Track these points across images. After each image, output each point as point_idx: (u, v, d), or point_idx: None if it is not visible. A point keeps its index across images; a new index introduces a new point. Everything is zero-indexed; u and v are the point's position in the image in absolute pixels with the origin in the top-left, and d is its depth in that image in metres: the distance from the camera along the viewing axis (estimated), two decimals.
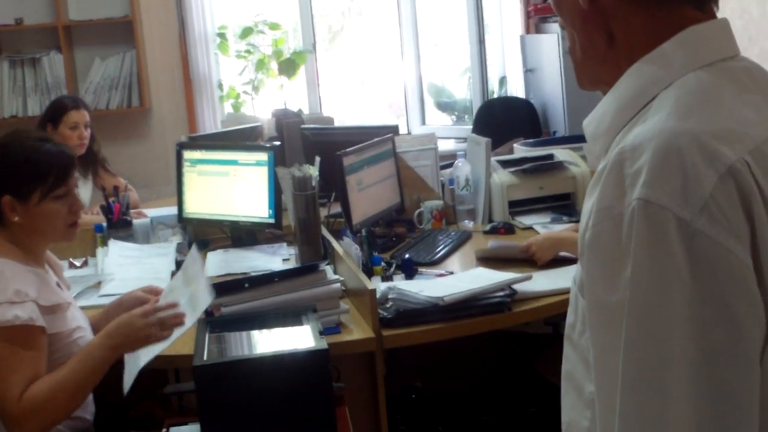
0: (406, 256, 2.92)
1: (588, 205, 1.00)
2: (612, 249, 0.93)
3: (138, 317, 2.17)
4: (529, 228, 3.38)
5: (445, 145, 5.35)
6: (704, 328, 0.89)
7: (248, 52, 5.89)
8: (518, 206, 3.53)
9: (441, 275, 2.81)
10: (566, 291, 2.46)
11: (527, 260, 2.87)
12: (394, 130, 3.88)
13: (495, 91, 6.21)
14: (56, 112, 4.16)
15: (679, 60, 1.02)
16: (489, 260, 2.93)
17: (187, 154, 3.52)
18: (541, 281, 2.61)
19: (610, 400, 0.94)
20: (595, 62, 1.11)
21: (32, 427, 2.07)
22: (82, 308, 2.71)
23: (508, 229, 3.38)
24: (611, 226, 0.93)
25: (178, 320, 2.16)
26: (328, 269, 2.46)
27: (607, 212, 0.94)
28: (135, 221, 3.42)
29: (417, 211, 3.49)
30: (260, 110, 5.72)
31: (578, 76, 1.16)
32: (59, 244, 2.51)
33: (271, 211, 3.33)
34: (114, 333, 2.17)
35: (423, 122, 6.34)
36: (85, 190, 4.25)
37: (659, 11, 1.04)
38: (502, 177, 3.52)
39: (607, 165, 0.96)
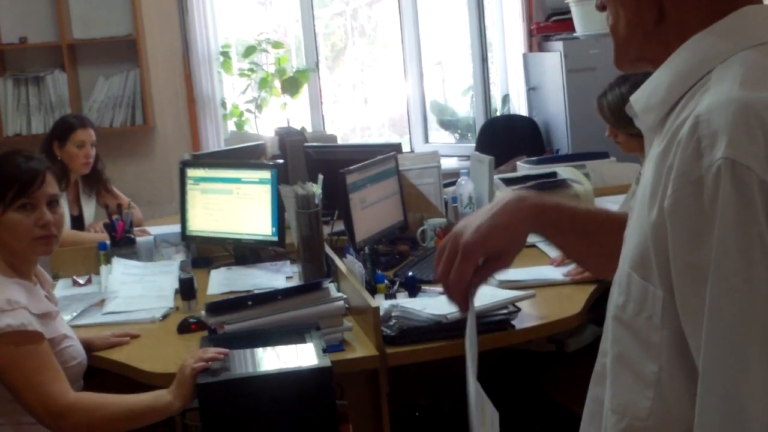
0: (410, 273, 2.92)
1: (648, 175, 1.02)
2: (694, 211, 0.94)
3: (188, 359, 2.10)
4: (533, 246, 3.37)
5: (447, 163, 5.36)
6: None
7: (251, 70, 5.91)
8: None
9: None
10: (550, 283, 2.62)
11: None
12: (397, 148, 3.89)
13: (498, 109, 6.22)
14: (63, 131, 4.15)
15: (737, 36, 1.04)
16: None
17: (191, 172, 3.53)
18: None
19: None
20: (640, 39, 1.12)
21: (76, 421, 2.08)
22: (86, 326, 2.73)
23: None
24: (691, 190, 0.94)
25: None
26: (332, 287, 2.46)
27: (686, 177, 0.95)
28: (138, 239, 3.43)
29: (420, 229, 3.49)
30: (263, 128, 5.73)
31: (618, 54, 1.17)
32: (56, 259, 2.53)
33: (274, 229, 3.33)
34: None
35: (426, 140, 6.35)
36: (88, 208, 4.26)
37: None
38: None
39: (682, 134, 0.97)
